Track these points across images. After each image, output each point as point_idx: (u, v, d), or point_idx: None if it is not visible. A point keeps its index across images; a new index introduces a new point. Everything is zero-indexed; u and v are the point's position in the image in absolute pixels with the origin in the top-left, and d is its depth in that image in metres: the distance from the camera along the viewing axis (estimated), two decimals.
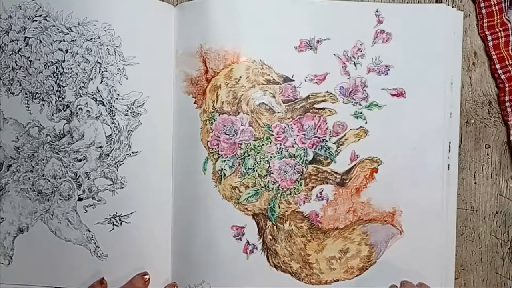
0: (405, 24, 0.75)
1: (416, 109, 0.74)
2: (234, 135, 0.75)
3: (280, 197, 0.75)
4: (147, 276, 0.76)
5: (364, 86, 0.75)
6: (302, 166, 0.75)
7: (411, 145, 0.75)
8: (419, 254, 0.76)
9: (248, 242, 0.76)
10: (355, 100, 0.75)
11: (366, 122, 0.75)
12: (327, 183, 0.75)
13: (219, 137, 0.75)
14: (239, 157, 0.75)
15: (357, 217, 0.76)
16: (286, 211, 0.75)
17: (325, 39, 0.75)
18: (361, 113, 0.75)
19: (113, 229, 0.77)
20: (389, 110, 0.75)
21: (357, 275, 0.76)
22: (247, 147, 0.75)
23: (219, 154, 0.75)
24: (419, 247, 0.75)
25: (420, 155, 0.75)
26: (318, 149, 0.75)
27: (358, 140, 0.75)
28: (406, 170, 0.75)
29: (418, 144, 0.75)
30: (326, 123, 0.75)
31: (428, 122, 0.74)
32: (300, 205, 0.76)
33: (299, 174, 0.75)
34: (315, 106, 0.75)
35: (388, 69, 0.75)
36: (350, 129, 0.75)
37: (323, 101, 0.75)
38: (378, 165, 0.75)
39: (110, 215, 0.77)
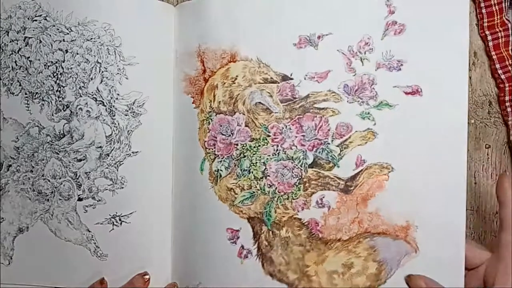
0: (421, 13, 0.69)
1: (434, 108, 0.68)
2: (230, 135, 0.74)
3: (277, 202, 0.72)
4: (147, 276, 0.76)
5: (373, 84, 0.70)
6: (301, 169, 0.72)
7: (428, 150, 0.68)
8: (437, 276, 0.67)
9: (242, 247, 0.74)
10: (361, 99, 0.70)
11: (374, 124, 0.70)
12: (329, 189, 0.71)
13: (216, 137, 0.74)
14: (235, 158, 0.74)
15: (364, 229, 0.70)
16: (283, 216, 0.72)
17: (326, 34, 0.71)
18: (368, 113, 0.70)
19: (113, 229, 0.77)
20: (402, 110, 0.69)
21: None
22: (243, 147, 0.73)
23: (215, 154, 0.75)
24: (437, 267, 0.68)
25: (440, 161, 0.67)
26: (319, 152, 0.71)
27: (365, 143, 0.70)
28: (422, 178, 0.68)
29: (438, 148, 0.68)
30: (328, 124, 0.71)
31: (449, 124, 0.68)
32: (298, 211, 0.72)
33: (297, 178, 0.72)
34: (316, 105, 0.72)
35: (401, 64, 0.69)
36: (356, 131, 0.70)
37: (324, 100, 0.71)
38: (389, 171, 0.69)
39: (110, 215, 0.77)
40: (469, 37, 0.67)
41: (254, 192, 0.73)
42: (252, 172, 0.73)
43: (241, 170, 0.74)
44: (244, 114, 0.74)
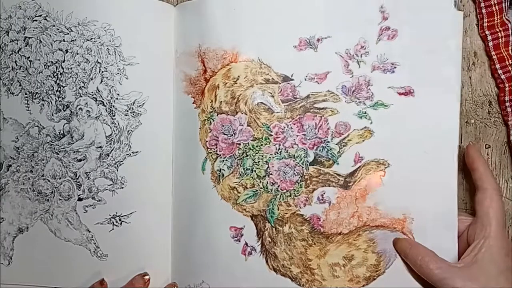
0: (412, 19, 0.71)
1: (426, 108, 0.71)
2: (232, 135, 0.74)
3: (279, 199, 0.73)
4: (147, 277, 0.76)
5: (369, 85, 0.72)
6: (303, 167, 0.73)
7: (421, 147, 0.71)
8: None
9: (246, 244, 0.75)
10: (358, 99, 0.72)
11: (371, 122, 0.72)
12: (329, 186, 0.73)
13: (218, 137, 0.75)
14: (237, 157, 0.74)
15: (363, 223, 0.72)
16: (286, 213, 0.74)
17: (325, 37, 0.73)
18: (365, 112, 0.72)
19: (113, 229, 0.77)
20: (397, 110, 0.71)
21: (363, 285, 0.72)
22: (246, 147, 0.74)
23: (217, 154, 0.75)
24: None
25: (432, 157, 0.70)
26: (320, 150, 0.73)
27: (363, 141, 0.72)
28: (417, 173, 0.71)
29: (430, 145, 0.71)
30: (328, 123, 0.73)
31: (440, 122, 0.70)
32: (300, 207, 0.73)
33: (299, 176, 0.73)
34: (316, 105, 0.73)
35: (395, 67, 0.71)
36: (354, 130, 0.72)
37: (324, 100, 0.73)
38: (385, 167, 0.72)
39: (110, 215, 0.77)
40: (461, 43, 0.71)
41: (257, 190, 0.74)
42: (255, 171, 0.74)
43: (243, 169, 0.74)
44: (246, 114, 0.74)
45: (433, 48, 0.71)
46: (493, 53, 0.74)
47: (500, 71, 0.73)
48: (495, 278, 0.64)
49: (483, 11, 0.73)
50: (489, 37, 0.74)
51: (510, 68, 0.73)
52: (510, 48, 0.73)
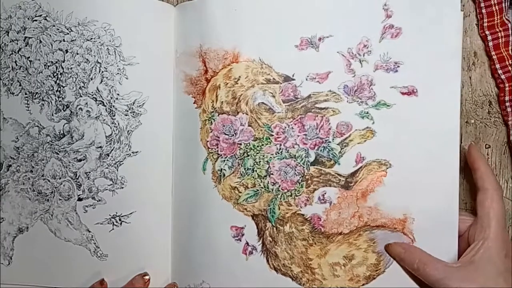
0: (416, 17, 0.71)
1: (429, 108, 0.70)
2: (233, 135, 0.74)
3: (280, 199, 0.73)
4: (147, 277, 0.76)
5: (371, 85, 0.72)
6: (303, 167, 0.73)
7: (424, 147, 0.70)
8: None
9: (247, 243, 0.75)
10: (360, 99, 0.72)
11: (373, 122, 0.72)
12: (330, 186, 0.73)
13: (219, 137, 0.75)
14: (238, 157, 0.74)
15: (363, 223, 0.72)
16: (287, 213, 0.74)
17: (327, 36, 0.72)
18: (367, 112, 0.72)
19: (113, 229, 0.77)
20: (399, 110, 0.71)
21: (363, 284, 0.73)
22: (247, 147, 0.74)
23: (218, 154, 0.75)
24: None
25: (434, 158, 0.70)
26: (321, 150, 0.73)
27: (364, 141, 0.72)
28: (418, 174, 0.71)
29: (432, 146, 0.70)
30: (329, 123, 0.72)
31: (442, 122, 0.70)
32: (301, 207, 0.73)
33: (300, 176, 0.73)
34: (317, 105, 0.73)
35: (398, 66, 0.71)
36: (356, 130, 0.72)
37: (325, 100, 0.73)
38: (387, 168, 0.71)
39: (110, 215, 0.77)
40: (461, 42, 0.70)
41: (258, 190, 0.74)
42: (256, 171, 0.74)
43: (244, 169, 0.74)
44: (247, 114, 0.74)
45: (437, 47, 0.70)
46: (493, 53, 0.74)
47: (500, 71, 0.73)
48: (494, 279, 0.64)
49: (483, 11, 0.74)
50: (489, 37, 0.74)
51: (510, 68, 0.73)
52: (510, 48, 0.73)
